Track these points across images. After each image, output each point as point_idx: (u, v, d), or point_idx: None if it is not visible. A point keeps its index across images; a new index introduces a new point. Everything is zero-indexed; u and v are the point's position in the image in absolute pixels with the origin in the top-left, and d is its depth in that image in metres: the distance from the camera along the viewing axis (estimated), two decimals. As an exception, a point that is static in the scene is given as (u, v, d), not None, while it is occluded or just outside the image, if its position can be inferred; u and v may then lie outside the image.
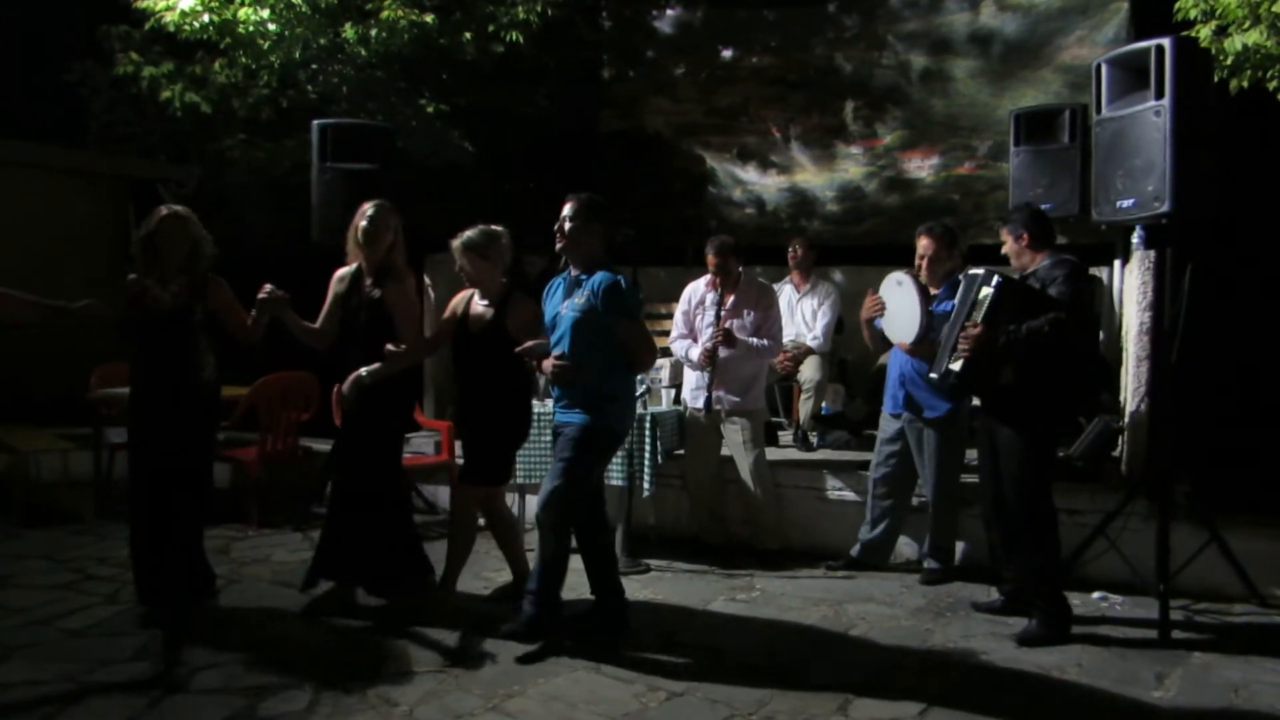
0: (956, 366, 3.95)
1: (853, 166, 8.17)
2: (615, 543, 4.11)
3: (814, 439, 5.93)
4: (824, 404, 6.03)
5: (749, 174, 8.49)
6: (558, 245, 3.84)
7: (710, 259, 5.06)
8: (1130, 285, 5.38)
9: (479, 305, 4.14)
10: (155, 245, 4.00)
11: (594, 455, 3.85)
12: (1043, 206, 5.11)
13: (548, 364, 3.81)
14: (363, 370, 4.00)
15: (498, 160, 7.46)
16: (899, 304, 4.47)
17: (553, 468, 3.83)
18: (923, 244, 4.60)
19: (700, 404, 5.05)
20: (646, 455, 5.00)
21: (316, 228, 5.49)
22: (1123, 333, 5.49)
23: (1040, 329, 3.77)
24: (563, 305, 3.85)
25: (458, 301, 4.22)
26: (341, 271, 4.21)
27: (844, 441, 5.99)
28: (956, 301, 4.05)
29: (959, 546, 4.83)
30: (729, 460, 5.16)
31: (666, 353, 5.95)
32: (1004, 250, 4.18)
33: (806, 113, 8.29)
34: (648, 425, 5.00)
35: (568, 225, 3.82)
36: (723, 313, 5.01)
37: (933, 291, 4.55)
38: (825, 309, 6.23)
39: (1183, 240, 4.25)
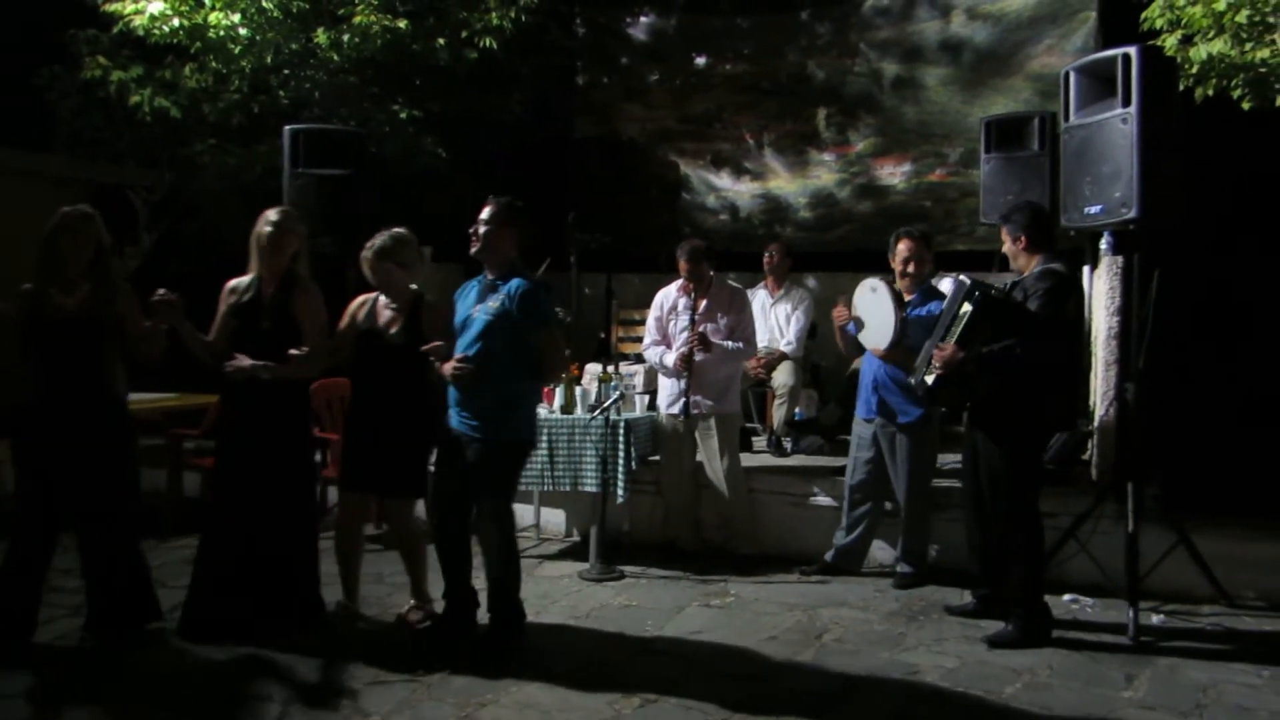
0: (929, 380, 3.97)
1: (825, 173, 8.21)
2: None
3: (787, 444, 5.95)
4: (797, 409, 6.05)
5: (723, 180, 8.53)
6: (472, 249, 3.80)
7: (682, 264, 5.07)
8: (1098, 290, 5.43)
9: (387, 312, 4.03)
10: (57, 247, 3.65)
11: (511, 467, 3.84)
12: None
13: (449, 366, 3.75)
14: (262, 363, 3.83)
15: (471, 167, 7.45)
16: (873, 310, 4.49)
17: (474, 489, 3.77)
18: (905, 247, 4.62)
19: (676, 410, 5.04)
20: (620, 461, 4.99)
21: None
22: (1091, 337, 5.54)
23: (1011, 350, 3.76)
24: (475, 308, 3.82)
25: (356, 308, 4.09)
26: (235, 282, 4.00)
27: (817, 447, 6.00)
28: (943, 310, 4.06)
29: (932, 550, 4.85)
30: (703, 466, 5.16)
31: (641, 359, 5.95)
32: (1003, 249, 4.19)
33: (780, 120, 8.33)
34: (621, 431, 4.99)
35: (482, 229, 3.79)
36: (696, 317, 5.01)
37: (907, 297, 4.57)
38: (799, 314, 6.24)
39: (1150, 246, 4.30)
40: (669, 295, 5.22)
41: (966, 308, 3.85)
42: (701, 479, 5.17)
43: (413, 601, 4.16)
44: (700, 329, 4.97)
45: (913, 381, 4.11)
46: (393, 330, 4.00)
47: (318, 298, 4.01)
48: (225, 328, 3.96)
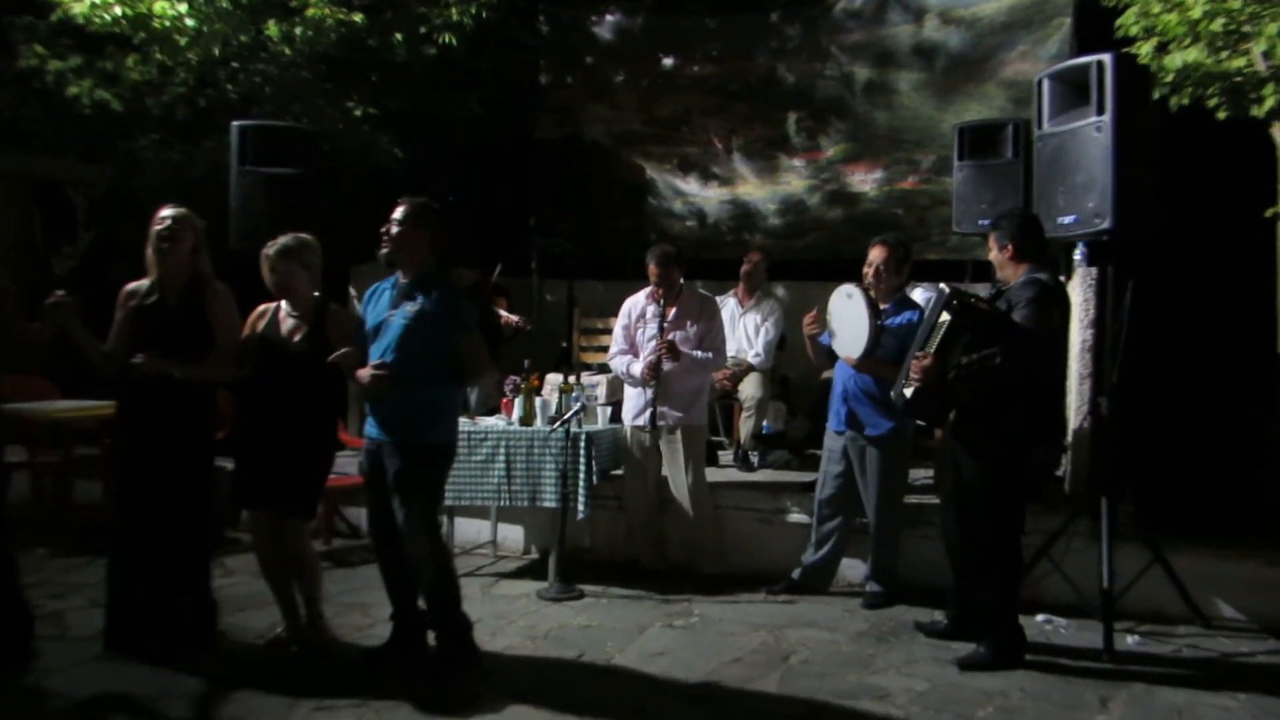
0: (908, 393, 3.94)
1: (795, 179, 8.22)
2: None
3: (755, 459, 5.93)
4: (765, 423, 6.04)
5: (690, 185, 8.51)
6: (382, 250, 3.77)
7: (652, 269, 5.03)
8: (1073, 302, 5.46)
9: (289, 319, 3.95)
10: None
11: (435, 473, 3.80)
12: (983, 222, 5.19)
13: (364, 373, 3.69)
14: (174, 360, 3.77)
15: (429, 168, 7.38)
16: (847, 317, 4.48)
17: (399, 498, 3.71)
18: (875, 253, 4.62)
19: (641, 421, 5.00)
20: (581, 476, 4.95)
21: (234, 234, 5.36)
22: (1070, 354, 5.57)
23: (991, 361, 3.74)
24: (390, 313, 3.78)
25: (256, 319, 4.00)
26: (133, 286, 3.93)
27: (785, 461, 5.99)
28: (922, 320, 4.05)
29: (902, 568, 4.84)
30: (668, 480, 5.12)
31: (605, 369, 5.91)
32: (989, 256, 4.16)
33: (748, 124, 8.33)
34: (583, 445, 4.95)
35: (394, 230, 3.75)
36: (665, 324, 4.98)
37: (882, 306, 4.57)
38: (768, 325, 6.24)
39: (1124, 257, 4.34)
40: (637, 303, 5.19)
41: (945, 317, 3.83)
42: (666, 494, 5.13)
43: (293, 622, 4.02)
44: (669, 337, 4.94)
45: (893, 395, 4.09)
46: (296, 339, 3.91)
47: (228, 299, 3.95)
48: (124, 333, 3.88)
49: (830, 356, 4.71)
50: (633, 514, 5.24)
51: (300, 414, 3.89)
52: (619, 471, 5.27)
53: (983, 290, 4.25)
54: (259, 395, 3.93)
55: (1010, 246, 4.03)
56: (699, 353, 5.00)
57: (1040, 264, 4.00)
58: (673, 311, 5.03)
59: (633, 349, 5.15)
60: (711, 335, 5.07)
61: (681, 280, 5.12)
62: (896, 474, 4.68)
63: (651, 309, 5.08)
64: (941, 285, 4.00)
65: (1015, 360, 3.73)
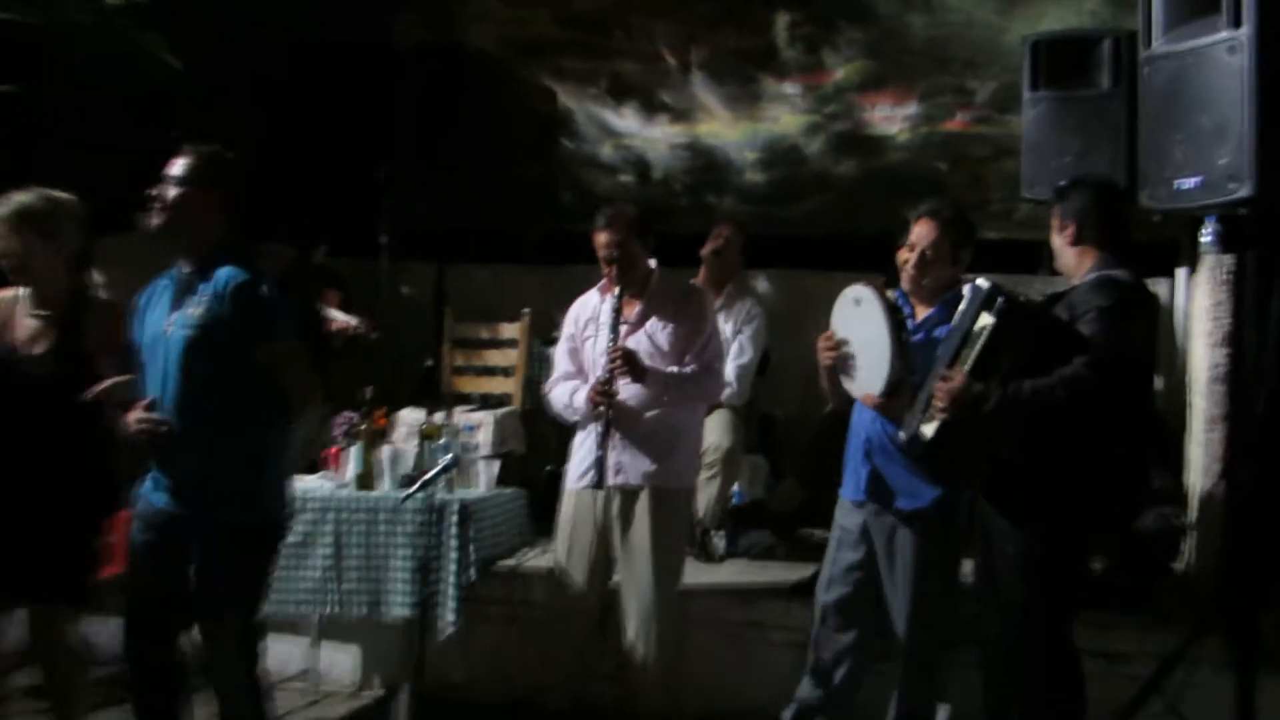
0: (929, 431, 3.96)
1: (786, 114, 8.26)
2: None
3: (720, 543, 5.92)
4: (736, 488, 6.03)
5: (625, 120, 8.52)
6: (154, 222, 3.80)
7: (601, 240, 4.90)
8: (1199, 307, 5.53)
9: (28, 319, 4.04)
10: None
11: (254, 564, 3.87)
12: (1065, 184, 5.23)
13: (133, 418, 3.74)
14: None
15: (222, 88, 7.28)
16: (859, 336, 4.46)
17: (197, 599, 3.76)
18: (921, 231, 4.60)
19: (586, 480, 4.90)
20: (451, 570, 4.95)
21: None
22: (1188, 379, 5.62)
23: (1051, 391, 3.78)
24: (168, 320, 3.82)
25: None
26: None
27: (767, 547, 5.98)
28: (952, 326, 4.07)
29: (943, 713, 4.84)
30: (622, 575, 4.99)
31: (491, 401, 5.85)
32: (1052, 240, 4.24)
33: (715, 28, 8.38)
34: (454, 520, 4.95)
35: (170, 193, 3.79)
36: (624, 325, 4.91)
37: (919, 312, 4.56)
38: (744, 338, 6.27)
39: (1273, 240, 4.37)
40: (587, 304, 5.11)
41: (986, 321, 3.87)
42: (608, 597, 5.01)
43: None
44: (625, 343, 4.86)
45: (902, 435, 4.12)
46: (38, 350, 3.97)
47: None
48: None
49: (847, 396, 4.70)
50: (551, 629, 5.10)
51: (46, 459, 3.92)
52: (511, 562, 5.24)
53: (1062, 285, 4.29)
54: None
55: (1072, 227, 4.08)
56: (678, 368, 4.95)
57: (1116, 255, 4.06)
58: (636, 308, 4.97)
59: (581, 374, 5.08)
60: (701, 344, 4.98)
61: (650, 262, 5.07)
62: (943, 568, 4.66)
63: (606, 306, 5.01)
64: (979, 280, 4.06)
65: (1083, 393, 3.78)
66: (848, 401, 4.68)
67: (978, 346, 3.88)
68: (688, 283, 5.28)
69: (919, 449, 4.06)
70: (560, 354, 5.17)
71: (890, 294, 4.57)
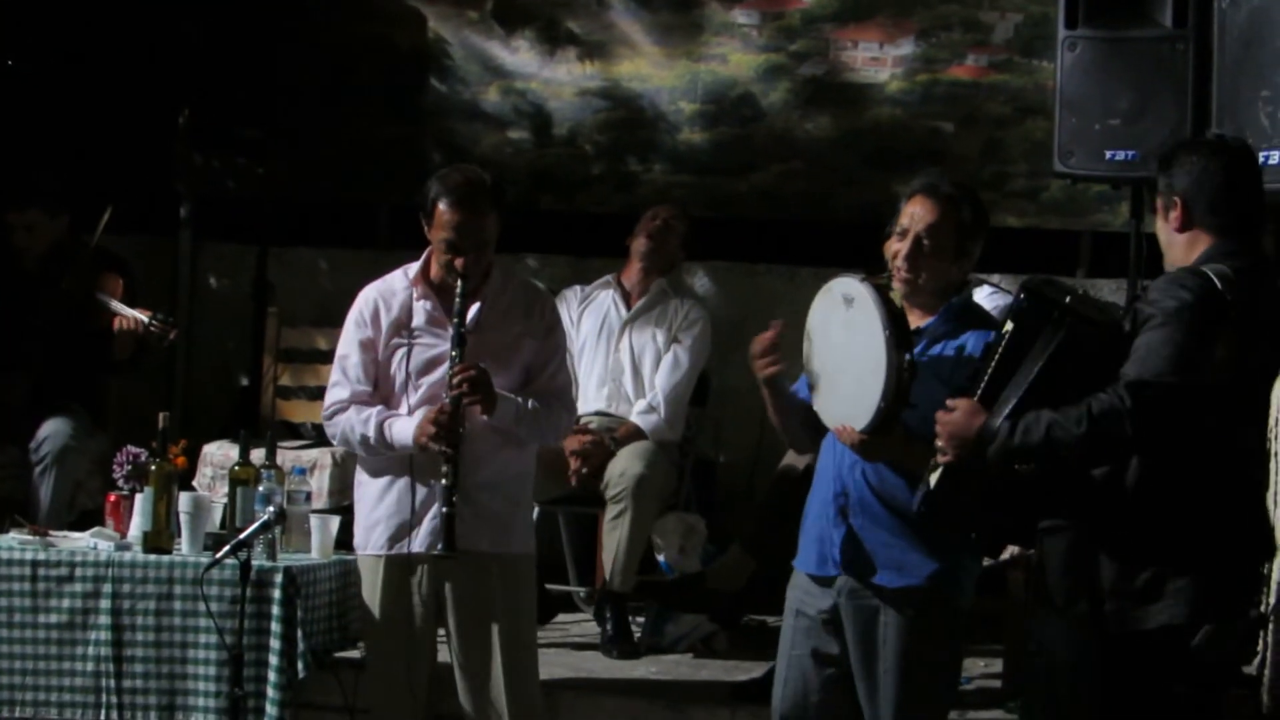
0: (932, 481, 3.98)
1: (737, 52, 8.32)
2: None
3: (639, 630, 5.95)
4: (661, 557, 6.07)
5: (518, 56, 8.55)
6: None
7: (442, 214, 4.95)
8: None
9: None
10: None
11: None
12: (1115, 155, 5.31)
13: None
14: None
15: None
16: (844, 344, 4.48)
17: None
18: (915, 211, 4.63)
19: (408, 548, 4.92)
20: (274, 661, 4.93)
21: None
22: (1271, 419, 5.73)
23: (1067, 437, 3.82)
24: None
25: None
26: None
27: (704, 637, 6.02)
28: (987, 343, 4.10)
29: None
30: (456, 669, 5.07)
31: (326, 437, 5.88)
32: (1159, 228, 4.26)
33: (643, -69, 8.45)
34: (277, 595, 4.94)
35: None
36: (466, 331, 4.91)
37: (919, 320, 4.62)
38: (682, 351, 6.33)
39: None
40: (389, 295, 5.09)
41: (1009, 326, 3.88)
42: (450, 702, 5.08)
43: None
44: (479, 363, 4.88)
45: (916, 501, 4.13)
46: None
47: None
48: None
49: (812, 426, 4.72)
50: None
51: None
52: (354, 654, 5.26)
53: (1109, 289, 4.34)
54: None
55: (1180, 206, 4.11)
56: (521, 400, 4.98)
57: (1236, 241, 4.07)
58: (474, 309, 5.00)
59: (376, 392, 5.12)
60: (549, 365, 5.08)
61: (490, 255, 5.08)
62: (937, 667, 4.73)
63: (425, 305, 5.03)
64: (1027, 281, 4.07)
65: (1115, 441, 3.81)
66: (804, 422, 4.72)
67: (994, 361, 3.90)
68: (536, 285, 5.28)
69: (922, 503, 4.07)
70: (349, 362, 5.15)
71: (894, 292, 4.59)
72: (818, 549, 4.65)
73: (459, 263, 4.90)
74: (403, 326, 5.06)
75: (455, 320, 4.88)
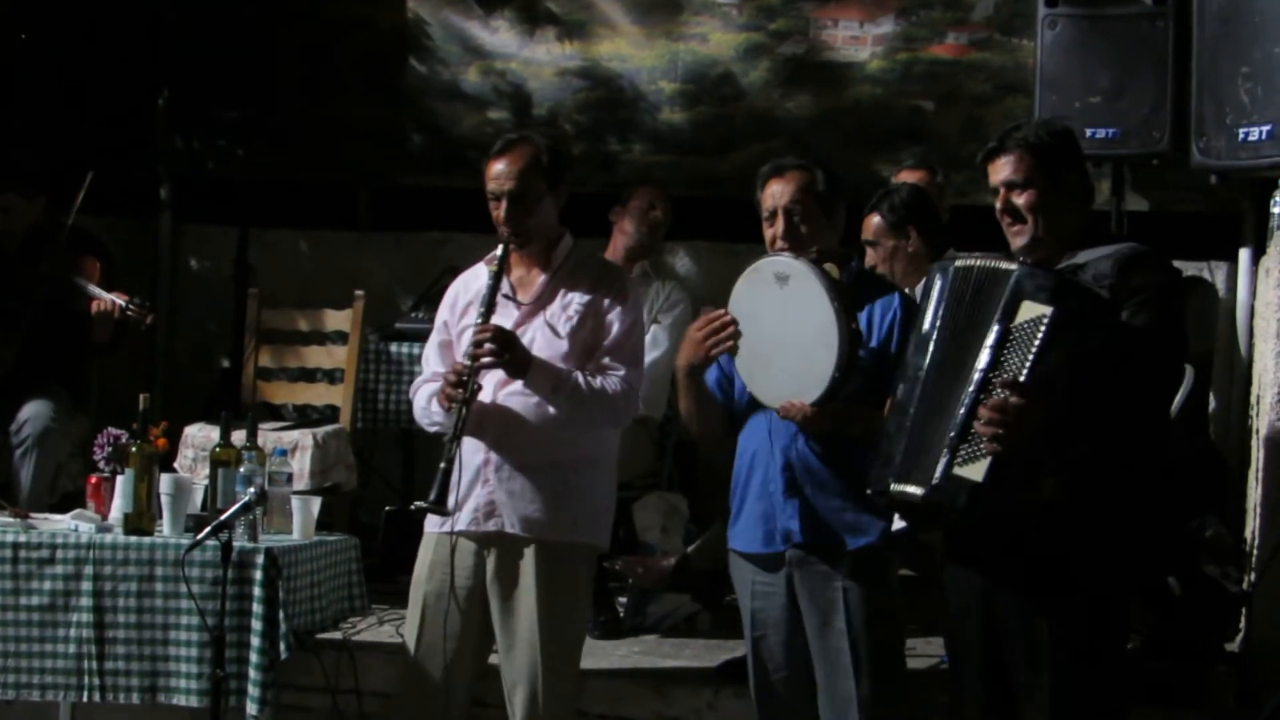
0: (975, 474, 3.85)
1: (717, 31, 8.34)
2: None
3: (622, 610, 5.97)
4: (642, 532, 6.08)
5: (498, 36, 8.57)
6: None
7: (494, 168, 4.84)
8: (1266, 299, 5.64)
9: None
10: None
11: None
12: (1095, 133, 5.31)
13: None
14: None
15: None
16: (780, 326, 4.47)
17: None
18: (773, 190, 4.61)
19: (439, 524, 4.87)
20: (255, 643, 4.92)
21: None
22: (1253, 396, 5.74)
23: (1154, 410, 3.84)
24: None
25: None
26: None
27: (687, 617, 6.03)
28: (940, 316, 4.07)
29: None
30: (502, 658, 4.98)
31: (325, 418, 5.86)
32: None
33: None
34: (258, 577, 4.94)
35: None
36: (506, 298, 4.82)
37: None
38: (661, 331, 6.37)
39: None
40: (471, 282, 4.93)
41: (1034, 313, 3.73)
42: (461, 684, 5.02)
43: None
44: (519, 330, 4.78)
45: (899, 490, 4.06)
46: None
47: None
48: None
49: (730, 411, 4.71)
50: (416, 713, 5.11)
51: None
52: (336, 634, 5.27)
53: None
54: None
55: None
56: (579, 376, 4.93)
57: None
58: (536, 285, 4.90)
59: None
60: (619, 340, 4.95)
61: (566, 236, 4.98)
62: (896, 624, 4.74)
63: (484, 275, 4.89)
64: (1005, 264, 4.04)
65: (1146, 414, 3.85)
66: (724, 419, 4.76)
67: (1032, 351, 3.76)
68: (604, 258, 5.23)
69: (960, 498, 3.99)
70: (430, 350, 5.13)
71: (830, 268, 4.58)
72: (763, 526, 4.67)
73: (498, 214, 4.90)
74: (474, 304, 4.99)
75: (489, 288, 4.80)
